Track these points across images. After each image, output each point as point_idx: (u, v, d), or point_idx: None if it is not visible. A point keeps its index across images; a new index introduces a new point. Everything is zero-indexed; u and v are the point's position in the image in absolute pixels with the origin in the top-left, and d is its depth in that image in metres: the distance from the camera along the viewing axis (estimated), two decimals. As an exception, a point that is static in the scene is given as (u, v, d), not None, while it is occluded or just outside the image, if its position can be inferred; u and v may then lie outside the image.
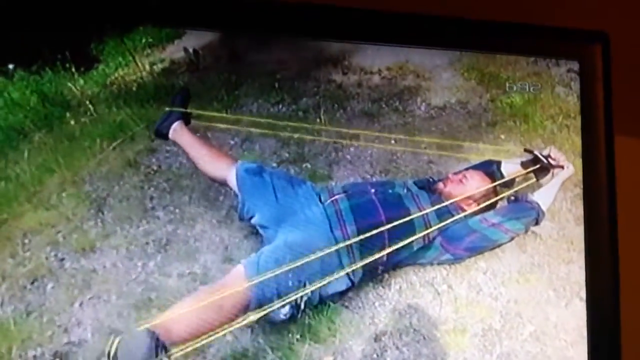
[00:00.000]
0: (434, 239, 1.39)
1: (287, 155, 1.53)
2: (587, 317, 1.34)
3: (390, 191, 1.44)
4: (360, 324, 1.30)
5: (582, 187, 1.42)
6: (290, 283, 1.25)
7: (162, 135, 1.48)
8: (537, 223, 1.45)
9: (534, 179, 1.51)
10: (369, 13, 1.36)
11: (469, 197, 1.47)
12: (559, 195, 1.47)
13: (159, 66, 1.53)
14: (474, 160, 1.54)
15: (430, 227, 1.38)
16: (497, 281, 1.38)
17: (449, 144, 1.55)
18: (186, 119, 1.48)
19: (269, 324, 1.27)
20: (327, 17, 1.36)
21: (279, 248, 1.30)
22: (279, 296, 1.24)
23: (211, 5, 1.33)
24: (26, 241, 1.33)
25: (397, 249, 1.34)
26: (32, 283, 1.28)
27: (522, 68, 1.53)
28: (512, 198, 1.49)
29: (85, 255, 1.33)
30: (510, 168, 1.53)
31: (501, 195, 1.50)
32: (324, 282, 1.27)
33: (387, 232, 1.33)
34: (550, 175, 1.49)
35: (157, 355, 1.11)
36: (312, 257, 1.27)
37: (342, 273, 1.30)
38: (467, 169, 1.52)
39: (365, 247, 1.32)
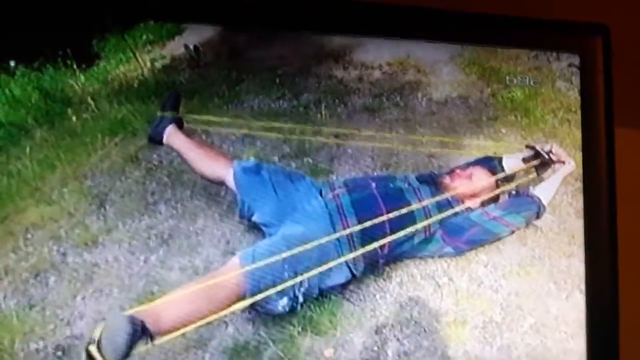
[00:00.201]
0: (434, 232, 1.40)
1: (288, 150, 1.53)
2: (586, 309, 1.34)
3: (391, 185, 1.44)
4: (361, 317, 1.30)
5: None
6: (286, 274, 1.25)
7: (156, 141, 1.47)
8: (538, 217, 1.45)
9: (535, 174, 1.50)
10: (370, 6, 1.36)
11: (473, 193, 1.47)
12: (560, 188, 1.47)
13: (160, 63, 1.53)
14: (475, 155, 1.54)
15: (431, 219, 1.38)
16: (498, 274, 1.38)
17: (449, 139, 1.55)
18: (179, 123, 1.48)
19: (270, 317, 1.27)
20: (327, 10, 1.36)
21: (276, 241, 1.31)
22: (275, 287, 1.24)
23: (212, 0, 1.34)
24: (28, 236, 1.33)
25: (398, 242, 1.34)
26: (35, 277, 1.28)
27: (523, 63, 1.53)
28: (513, 192, 1.49)
29: (88, 249, 1.33)
30: (512, 163, 1.53)
31: (502, 189, 1.50)
32: (321, 272, 1.27)
33: (388, 225, 1.34)
34: (551, 170, 1.49)
35: (139, 341, 1.10)
36: (309, 247, 1.28)
37: (341, 261, 1.30)
38: (468, 164, 1.53)
39: (367, 239, 1.32)
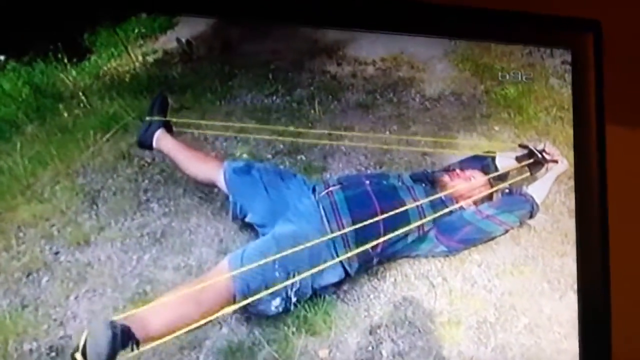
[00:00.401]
0: (428, 230, 1.40)
1: (281, 146, 1.53)
2: (578, 308, 1.35)
3: (385, 183, 1.44)
4: (355, 317, 1.30)
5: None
6: (277, 274, 1.25)
7: (146, 146, 1.47)
8: (531, 216, 1.45)
9: (528, 173, 1.51)
10: (364, 0, 1.36)
11: (469, 195, 1.48)
12: (553, 187, 1.48)
13: (152, 57, 1.52)
14: (468, 153, 1.54)
15: (425, 218, 1.38)
16: (492, 274, 1.39)
17: (443, 135, 1.55)
18: (168, 126, 1.47)
19: (264, 317, 1.27)
20: (321, 4, 1.35)
21: (266, 241, 1.31)
22: (266, 288, 1.23)
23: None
24: (20, 234, 1.32)
25: (391, 241, 1.34)
26: (27, 277, 1.28)
27: (516, 59, 1.53)
28: (507, 191, 1.49)
29: (80, 248, 1.33)
30: (505, 162, 1.53)
31: (495, 188, 1.50)
32: (314, 272, 1.27)
33: (382, 223, 1.33)
34: (544, 169, 1.49)
35: (123, 348, 1.10)
36: (300, 247, 1.27)
37: (333, 262, 1.30)
38: (462, 162, 1.53)
39: (360, 237, 1.32)
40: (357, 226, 1.32)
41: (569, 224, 1.40)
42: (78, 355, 1.07)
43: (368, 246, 1.32)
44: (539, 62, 1.53)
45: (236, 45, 1.51)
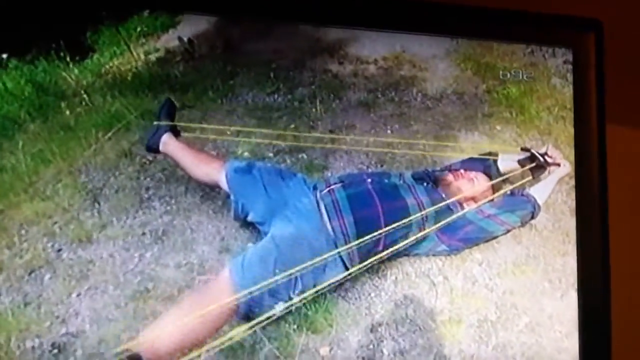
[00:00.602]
0: (429, 229, 1.40)
1: (282, 145, 1.53)
2: (578, 307, 1.35)
3: (386, 181, 1.44)
4: (356, 315, 1.30)
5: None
6: (278, 279, 1.24)
7: (153, 149, 1.47)
8: (533, 217, 1.45)
9: (531, 177, 1.50)
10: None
11: (472, 197, 1.48)
12: (555, 187, 1.48)
13: (154, 55, 1.52)
14: (470, 153, 1.54)
15: (427, 220, 1.38)
16: (493, 272, 1.39)
17: (444, 135, 1.55)
18: (175, 130, 1.48)
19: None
20: (323, 2, 1.35)
21: (265, 245, 1.31)
22: (269, 295, 1.24)
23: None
24: (23, 232, 1.33)
25: (393, 239, 1.34)
26: (30, 274, 1.28)
27: (518, 59, 1.53)
28: (509, 191, 1.49)
29: (82, 246, 1.33)
30: (507, 164, 1.53)
31: (499, 193, 1.50)
32: (315, 271, 1.27)
33: (383, 222, 1.33)
34: (546, 172, 1.49)
35: None
36: (300, 247, 1.29)
37: (334, 260, 1.30)
38: (463, 162, 1.53)
39: (362, 235, 1.32)
40: (358, 224, 1.32)
41: (570, 223, 1.40)
42: None
43: (369, 242, 1.32)
44: (541, 61, 1.53)
45: (238, 43, 1.51)
